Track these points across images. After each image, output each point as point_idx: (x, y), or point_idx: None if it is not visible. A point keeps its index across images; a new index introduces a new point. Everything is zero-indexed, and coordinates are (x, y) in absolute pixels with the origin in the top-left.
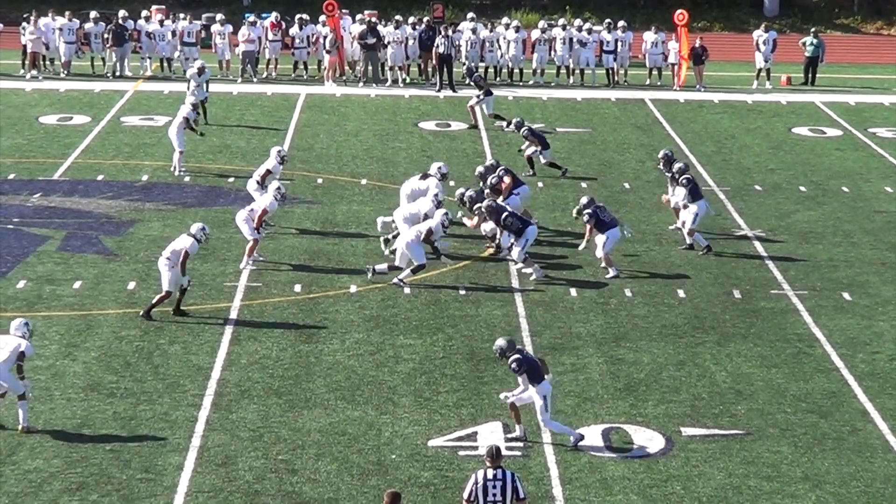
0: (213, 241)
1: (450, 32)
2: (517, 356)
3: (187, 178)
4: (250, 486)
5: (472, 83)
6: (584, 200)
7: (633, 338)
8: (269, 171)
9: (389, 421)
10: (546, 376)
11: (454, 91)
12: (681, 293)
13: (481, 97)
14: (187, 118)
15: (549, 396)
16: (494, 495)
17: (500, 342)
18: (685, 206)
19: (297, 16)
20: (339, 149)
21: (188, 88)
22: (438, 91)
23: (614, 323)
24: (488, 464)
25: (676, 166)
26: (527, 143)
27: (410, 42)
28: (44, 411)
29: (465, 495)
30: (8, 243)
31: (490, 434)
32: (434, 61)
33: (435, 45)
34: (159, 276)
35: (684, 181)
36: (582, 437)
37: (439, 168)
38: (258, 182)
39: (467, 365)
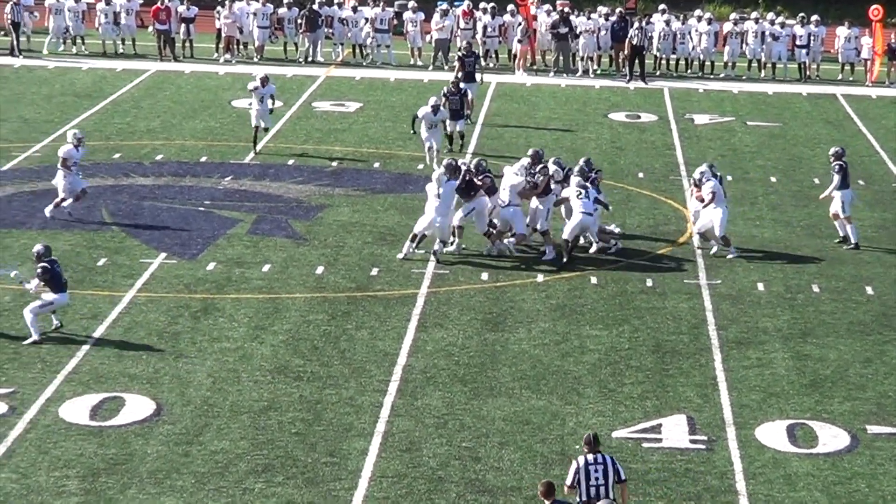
0: (400, 227)
1: (643, 24)
2: (45, 264)
3: (371, 166)
4: (434, 473)
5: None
6: (836, 149)
7: (819, 334)
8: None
9: (574, 411)
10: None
11: (645, 83)
12: (869, 290)
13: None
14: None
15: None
16: (597, 479)
17: (38, 247)
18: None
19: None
20: (529, 138)
21: (251, 104)
22: (629, 82)
23: (801, 318)
24: (586, 450)
25: (832, 151)
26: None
27: (602, 32)
28: (231, 392)
29: (569, 482)
30: (199, 225)
31: (675, 427)
32: (626, 52)
33: (628, 36)
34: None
35: (836, 167)
36: (37, 341)
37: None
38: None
39: (653, 357)
